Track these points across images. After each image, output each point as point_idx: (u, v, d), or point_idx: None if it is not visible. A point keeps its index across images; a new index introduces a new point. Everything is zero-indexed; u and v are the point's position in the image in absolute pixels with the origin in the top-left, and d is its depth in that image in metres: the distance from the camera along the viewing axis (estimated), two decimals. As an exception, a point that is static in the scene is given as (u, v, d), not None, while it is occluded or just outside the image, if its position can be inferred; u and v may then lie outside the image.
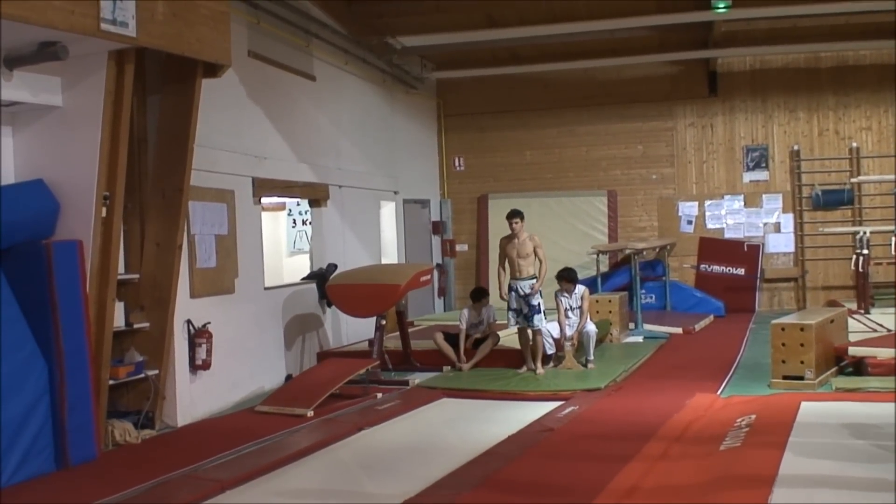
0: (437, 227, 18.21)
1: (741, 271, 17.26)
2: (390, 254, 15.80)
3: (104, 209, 7.73)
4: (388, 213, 15.94)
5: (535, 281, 10.90)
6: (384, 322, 11.23)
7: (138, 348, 8.77)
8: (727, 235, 17.61)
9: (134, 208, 8.89)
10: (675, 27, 15.41)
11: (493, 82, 18.04)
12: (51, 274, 7.30)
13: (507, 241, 11.08)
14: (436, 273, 16.97)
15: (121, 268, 8.50)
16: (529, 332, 11.00)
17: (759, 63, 17.49)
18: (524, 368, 11.01)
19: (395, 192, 16.12)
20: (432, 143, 18.59)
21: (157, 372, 8.85)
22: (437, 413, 9.40)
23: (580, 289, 11.40)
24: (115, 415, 8.48)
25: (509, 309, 11.02)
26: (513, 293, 10.96)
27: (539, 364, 10.94)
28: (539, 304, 10.86)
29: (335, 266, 12.66)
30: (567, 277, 11.30)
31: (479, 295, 11.84)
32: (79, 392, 7.46)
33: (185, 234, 9.26)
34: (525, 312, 10.87)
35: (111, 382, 8.23)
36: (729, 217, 17.67)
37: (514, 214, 11.11)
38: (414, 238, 16.92)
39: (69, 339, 7.39)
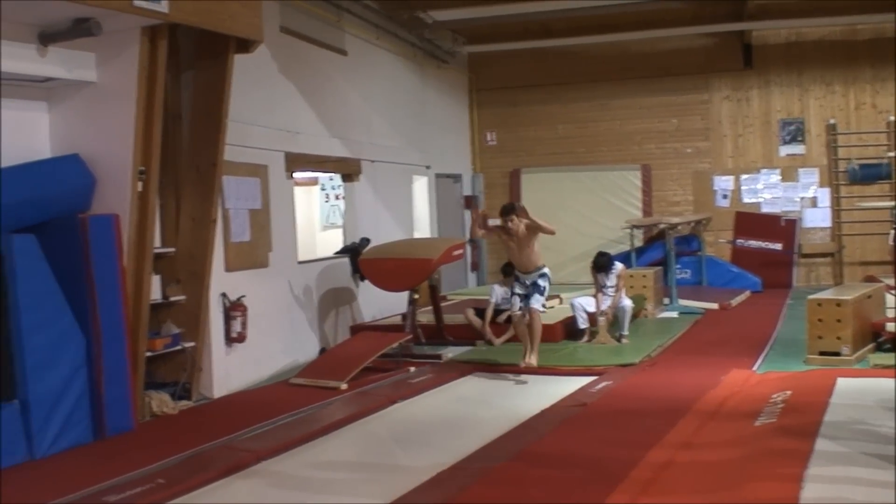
0: (470, 202, 18.19)
1: (778, 246, 17.10)
2: (422, 228, 15.81)
3: (140, 184, 7.79)
4: (421, 188, 15.94)
5: (544, 270, 9.57)
6: (417, 296, 11.26)
7: (175, 321, 8.87)
8: (763, 210, 17.44)
9: (169, 183, 8.94)
10: (708, -1, 15.28)
11: (525, 56, 17.91)
12: (87, 247, 7.38)
13: (506, 235, 9.55)
14: (468, 247, 16.97)
15: (157, 241, 8.58)
16: (526, 315, 9.55)
17: (794, 36, 17.24)
18: (525, 360, 9.56)
19: (427, 167, 16.10)
20: (464, 118, 18.54)
21: (193, 344, 8.93)
22: (469, 387, 9.43)
23: (617, 266, 11.39)
24: (153, 386, 8.59)
25: (513, 293, 9.74)
26: (517, 283, 9.68)
27: (534, 352, 9.50)
28: (545, 286, 9.53)
29: (368, 240, 12.69)
30: (601, 268, 11.24)
31: (510, 270, 11.80)
32: (116, 364, 7.56)
33: (220, 208, 9.33)
34: (526, 292, 9.52)
35: (148, 354, 8.34)
36: (765, 191, 17.49)
37: (509, 210, 9.48)
38: (446, 212, 16.92)
39: (106, 312, 7.48)
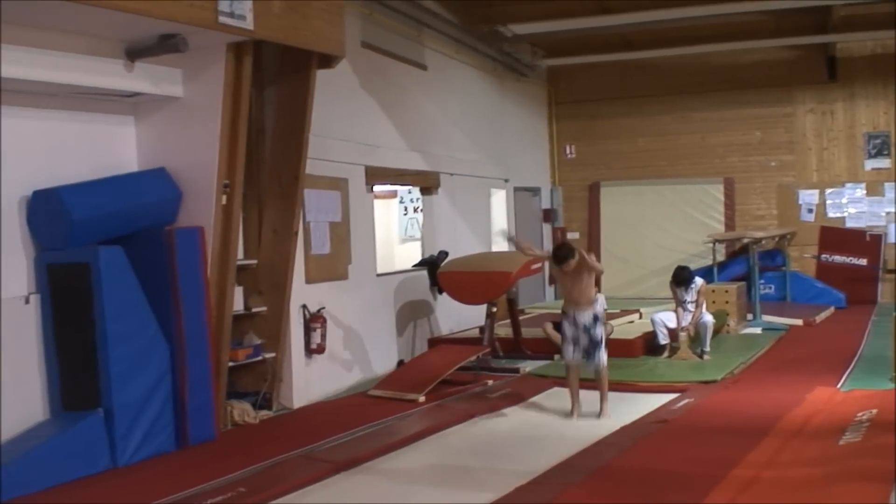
0: (548, 215, 18.11)
1: (863, 262, 16.69)
2: (500, 241, 15.78)
3: (224, 197, 7.92)
4: (499, 201, 15.94)
5: (597, 306, 8.54)
6: (495, 309, 11.25)
7: (256, 331, 9.00)
8: (848, 224, 17.06)
9: (252, 196, 9.08)
10: (791, 11, 15.00)
11: (605, 69, 17.79)
12: (173, 259, 7.52)
13: (560, 272, 8.61)
14: (547, 261, 16.88)
15: (240, 253, 8.70)
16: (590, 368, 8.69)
17: (880, 48, 16.81)
18: (574, 416, 8.55)
19: (506, 180, 16.10)
20: (543, 131, 18.50)
21: (274, 355, 9.05)
22: (547, 401, 9.37)
23: (697, 281, 11.22)
24: (234, 396, 8.73)
25: (563, 341, 8.67)
26: (566, 322, 8.56)
27: (605, 404, 8.56)
28: (602, 335, 8.56)
29: (446, 253, 12.72)
30: (681, 282, 11.11)
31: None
32: (199, 373, 7.69)
33: (301, 221, 9.44)
34: (585, 346, 8.48)
35: (230, 364, 8.46)
36: (850, 206, 17.12)
37: (564, 258, 8.35)
38: (524, 226, 16.88)
39: (190, 322, 7.61)
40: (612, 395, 9.24)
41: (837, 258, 16.82)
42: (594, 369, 8.53)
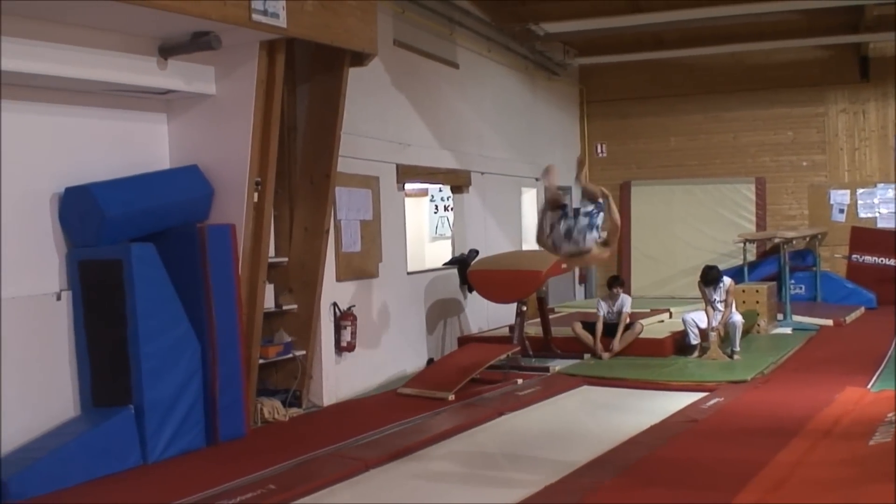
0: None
1: (893, 262, 16.54)
2: (531, 240, 15.74)
3: (256, 194, 7.95)
4: (530, 200, 15.91)
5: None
6: (525, 308, 11.24)
7: (287, 329, 9.04)
8: (879, 225, 16.91)
9: (284, 194, 9.13)
10: (824, 10, 14.87)
11: (637, 68, 17.73)
12: (205, 256, 7.54)
13: None
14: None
15: (271, 251, 8.74)
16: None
17: (914, 48, 16.68)
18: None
19: (537, 179, 16.04)
20: (574, 130, 18.44)
21: (304, 352, 9.10)
22: (577, 400, 9.37)
23: (726, 281, 11.16)
24: (265, 393, 8.75)
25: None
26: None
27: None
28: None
29: (476, 252, 12.73)
30: (709, 281, 11.05)
31: (611, 284, 11.70)
32: (230, 370, 7.71)
33: (332, 219, 9.47)
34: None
35: (261, 362, 8.49)
36: (881, 206, 16.96)
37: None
38: (555, 225, 16.80)
39: (221, 319, 7.63)
40: (643, 394, 9.36)
41: (868, 259, 16.68)
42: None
